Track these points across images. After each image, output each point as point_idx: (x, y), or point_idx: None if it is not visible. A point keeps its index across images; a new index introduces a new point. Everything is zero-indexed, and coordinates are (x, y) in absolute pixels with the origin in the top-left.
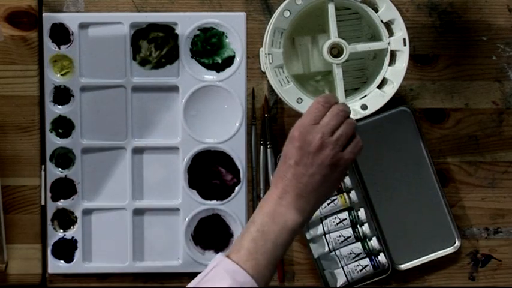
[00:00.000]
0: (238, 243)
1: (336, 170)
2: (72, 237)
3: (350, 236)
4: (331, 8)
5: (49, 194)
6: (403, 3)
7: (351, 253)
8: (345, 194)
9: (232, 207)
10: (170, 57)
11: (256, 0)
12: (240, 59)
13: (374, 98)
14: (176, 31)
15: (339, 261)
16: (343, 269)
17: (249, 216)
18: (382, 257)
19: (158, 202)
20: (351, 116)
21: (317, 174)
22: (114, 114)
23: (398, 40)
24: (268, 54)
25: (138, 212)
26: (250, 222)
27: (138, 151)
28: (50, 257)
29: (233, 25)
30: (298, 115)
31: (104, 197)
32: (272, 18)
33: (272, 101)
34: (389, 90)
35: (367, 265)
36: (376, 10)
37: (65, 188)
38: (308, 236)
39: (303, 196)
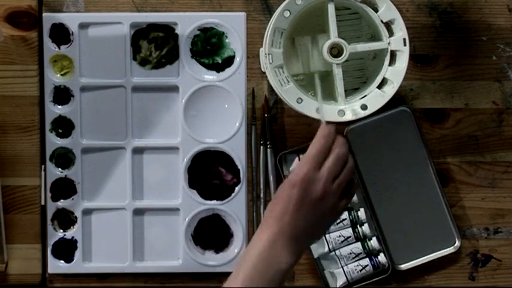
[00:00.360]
0: (231, 283)
1: (333, 216)
2: (72, 237)
3: (350, 236)
4: (331, 8)
5: (49, 194)
6: (403, 3)
7: (351, 253)
8: None
9: (232, 207)
10: (170, 57)
11: (256, 0)
12: (240, 59)
13: (374, 98)
14: (176, 31)
15: (339, 261)
16: (343, 269)
17: (249, 216)
18: (382, 257)
19: (158, 202)
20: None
21: (314, 222)
22: (114, 114)
23: (398, 40)
24: (268, 54)
25: (138, 212)
26: (242, 262)
27: (138, 151)
28: (50, 257)
29: (233, 25)
30: (298, 115)
31: (104, 197)
32: (272, 18)
33: (272, 101)
34: (389, 90)
35: (367, 265)
36: (376, 10)
37: (65, 188)
38: None
39: (298, 240)
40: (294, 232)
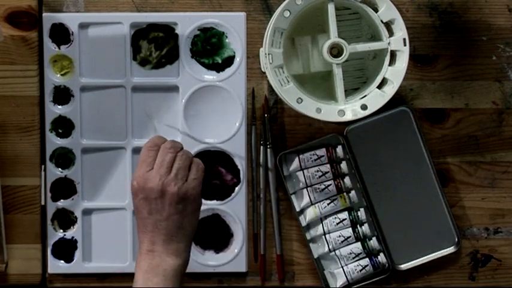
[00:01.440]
0: None
1: (189, 201)
2: (72, 237)
3: (350, 236)
4: (331, 8)
5: (49, 194)
6: (403, 3)
7: (351, 253)
8: (345, 194)
9: (232, 207)
10: (170, 57)
11: (256, 0)
12: (240, 59)
13: (374, 98)
14: (176, 31)
15: (339, 261)
16: (343, 269)
17: (249, 216)
18: (382, 257)
19: None
20: (350, 116)
21: (173, 214)
22: (114, 114)
23: (398, 40)
24: (268, 54)
25: None
26: (134, 283)
27: (138, 151)
28: (50, 257)
29: (233, 25)
30: (298, 115)
31: (104, 197)
32: (272, 18)
33: (272, 101)
34: (389, 90)
35: (367, 265)
36: (376, 10)
37: (65, 188)
38: (308, 236)
39: (172, 239)
40: (163, 234)
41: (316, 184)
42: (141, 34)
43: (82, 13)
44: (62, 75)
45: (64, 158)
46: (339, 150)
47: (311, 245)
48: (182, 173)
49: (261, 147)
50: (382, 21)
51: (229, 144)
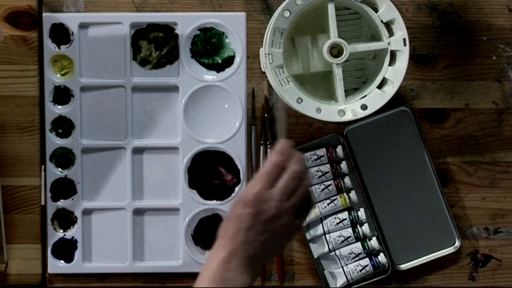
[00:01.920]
0: None
1: (288, 235)
2: (72, 237)
3: (350, 236)
4: (331, 8)
5: (49, 194)
6: (403, 3)
7: (351, 253)
8: (345, 194)
9: None
10: (170, 57)
11: (256, 0)
12: (240, 59)
13: (374, 98)
14: (176, 31)
15: (339, 261)
16: (343, 269)
17: None
18: (382, 257)
19: (158, 202)
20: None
21: (269, 240)
22: (114, 114)
23: (398, 40)
24: (268, 54)
25: (138, 212)
26: (201, 277)
27: (138, 151)
28: (50, 257)
29: (233, 25)
30: (298, 115)
31: (104, 197)
32: (272, 18)
33: (272, 101)
34: (389, 90)
35: (367, 265)
36: (376, 10)
37: (65, 188)
38: (308, 236)
39: (253, 260)
40: (248, 252)
41: (316, 184)
42: (141, 34)
43: (82, 13)
44: (62, 75)
45: (64, 158)
46: (339, 150)
47: (311, 245)
48: (297, 206)
49: (261, 147)
50: (382, 21)
51: (229, 144)
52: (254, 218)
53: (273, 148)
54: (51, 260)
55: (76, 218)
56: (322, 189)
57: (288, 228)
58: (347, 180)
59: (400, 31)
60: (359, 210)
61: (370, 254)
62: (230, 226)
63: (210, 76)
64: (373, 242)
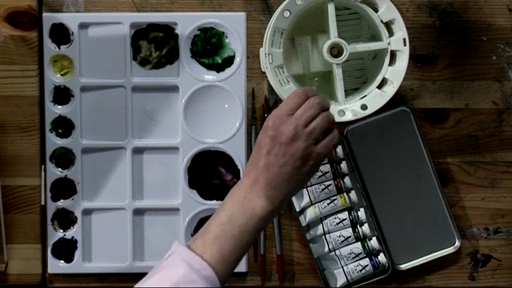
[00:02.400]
0: (207, 227)
1: (307, 163)
2: (72, 237)
3: (350, 236)
4: (331, 8)
5: (49, 194)
6: (403, 3)
7: (351, 253)
8: (345, 194)
9: None
10: (170, 57)
11: (256, 0)
12: (240, 59)
13: (374, 98)
14: (176, 31)
15: (339, 261)
16: (343, 269)
17: None
18: (382, 257)
19: (158, 202)
20: (350, 116)
21: (288, 165)
22: (114, 114)
23: (398, 40)
24: (268, 54)
25: (138, 212)
26: (220, 207)
27: (138, 151)
28: (50, 257)
29: (233, 25)
30: None
31: (104, 197)
32: (272, 18)
33: (272, 101)
34: (389, 90)
35: (367, 265)
36: (376, 10)
37: (65, 188)
38: (308, 236)
39: (274, 185)
40: (269, 177)
41: (316, 184)
42: (141, 34)
43: (82, 13)
44: (62, 75)
45: (64, 158)
46: (339, 150)
47: (311, 245)
48: (316, 133)
49: None
50: (382, 21)
51: (229, 144)
52: (273, 140)
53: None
54: (51, 260)
55: (76, 218)
56: (322, 189)
57: (306, 153)
58: (347, 180)
59: (400, 31)
60: (359, 210)
61: (370, 254)
62: (254, 154)
63: (210, 76)
64: (373, 242)
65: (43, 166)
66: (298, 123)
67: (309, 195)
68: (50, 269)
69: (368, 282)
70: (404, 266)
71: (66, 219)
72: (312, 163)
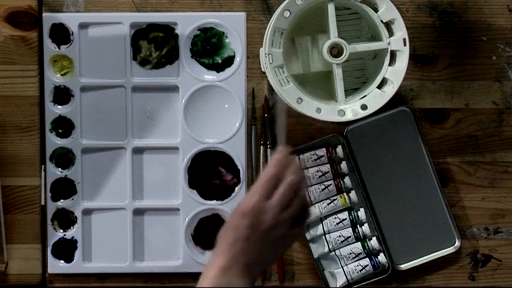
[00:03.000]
0: None
1: (285, 245)
2: (72, 237)
3: (350, 236)
4: (331, 8)
5: (49, 194)
6: (403, 3)
7: (351, 253)
8: (345, 194)
9: (232, 207)
10: (170, 57)
11: (256, 0)
12: (240, 59)
13: (374, 98)
14: (176, 31)
15: (339, 261)
16: (343, 269)
17: None
18: (382, 257)
19: (158, 202)
20: (350, 116)
21: (266, 250)
22: (114, 114)
23: (398, 40)
24: (268, 54)
25: (138, 212)
26: (200, 283)
27: (138, 151)
28: (50, 257)
29: (233, 25)
30: (298, 115)
31: (104, 197)
32: (272, 18)
33: (272, 102)
34: (389, 90)
35: (367, 265)
36: (376, 10)
37: (65, 188)
38: (308, 236)
39: (251, 267)
40: (246, 260)
41: (316, 184)
42: (141, 34)
43: (82, 13)
44: (62, 75)
45: (64, 158)
46: (339, 150)
47: (311, 245)
48: (294, 216)
49: (261, 147)
50: (382, 21)
51: (229, 144)
52: (252, 228)
53: (271, 157)
54: (51, 260)
55: (76, 218)
56: (322, 189)
57: (285, 238)
58: (347, 180)
59: (400, 31)
60: (359, 210)
61: (370, 254)
62: (229, 235)
63: (210, 76)
64: (373, 242)
65: (43, 166)
66: (277, 209)
67: (309, 195)
68: (50, 269)
69: (368, 282)
70: (404, 266)
71: (66, 219)
72: (288, 243)
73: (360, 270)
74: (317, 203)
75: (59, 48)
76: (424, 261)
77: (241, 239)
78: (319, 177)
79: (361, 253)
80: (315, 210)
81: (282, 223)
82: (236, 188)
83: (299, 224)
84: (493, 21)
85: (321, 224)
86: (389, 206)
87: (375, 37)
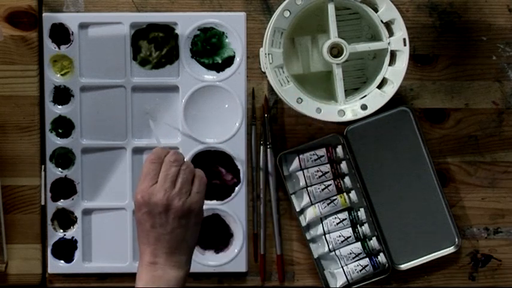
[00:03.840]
0: None
1: (192, 214)
2: (72, 237)
3: (350, 236)
4: (331, 8)
5: (49, 194)
6: (403, 3)
7: (351, 253)
8: (345, 194)
9: (232, 207)
10: (170, 57)
11: (256, 0)
12: (240, 59)
13: (374, 98)
14: (176, 31)
15: (339, 261)
16: (343, 269)
17: (249, 216)
18: (382, 257)
19: None
20: (350, 116)
21: (176, 228)
22: (114, 114)
23: (398, 40)
24: (268, 54)
25: None
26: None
27: (138, 151)
28: (50, 257)
29: (233, 25)
30: (298, 115)
31: (104, 197)
32: (272, 18)
33: (272, 101)
34: (389, 90)
35: (367, 265)
36: (376, 10)
37: (65, 188)
38: (308, 236)
39: (175, 251)
40: (165, 247)
41: (316, 184)
42: (141, 34)
43: (82, 13)
44: (62, 75)
45: (64, 158)
46: (339, 150)
47: (311, 245)
48: (186, 187)
49: (261, 147)
50: (382, 21)
51: (229, 144)
52: (150, 214)
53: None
54: (51, 260)
55: (76, 218)
56: (322, 189)
57: (186, 208)
58: (347, 180)
59: (400, 31)
60: (359, 210)
61: (370, 254)
62: (140, 233)
63: (210, 76)
64: (373, 242)
65: (43, 166)
66: (165, 188)
67: (309, 195)
68: (50, 269)
69: (368, 282)
70: (404, 266)
71: (66, 219)
72: (196, 213)
73: (360, 270)
74: (317, 203)
75: (59, 48)
76: (424, 261)
77: (148, 228)
78: (319, 177)
79: (361, 253)
80: (315, 210)
81: (175, 197)
82: (236, 188)
83: (197, 191)
84: (493, 21)
85: (321, 224)
86: (389, 206)
87: (375, 37)
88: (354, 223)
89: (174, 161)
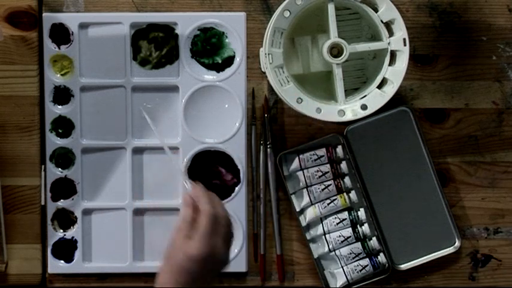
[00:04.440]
0: None
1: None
2: (72, 237)
3: (350, 236)
4: (331, 8)
5: (49, 194)
6: (403, 3)
7: (351, 253)
8: (345, 194)
9: (232, 207)
10: (170, 57)
11: (256, 0)
12: (240, 59)
13: (374, 98)
14: (176, 31)
15: (339, 261)
16: (343, 269)
17: (249, 216)
18: (382, 257)
19: (158, 202)
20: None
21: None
22: (114, 114)
23: (398, 40)
24: (268, 54)
25: (138, 212)
26: None
27: (138, 151)
28: (50, 257)
29: (233, 25)
30: (298, 115)
31: (104, 197)
32: (272, 18)
33: (272, 101)
34: (389, 90)
35: (367, 265)
36: (376, 10)
37: (65, 188)
38: (308, 236)
39: None
40: None
41: (316, 184)
42: (141, 34)
43: (82, 13)
44: (62, 75)
45: (64, 158)
46: (339, 150)
47: (311, 245)
48: (224, 219)
49: (261, 147)
50: (382, 21)
51: (229, 144)
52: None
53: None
54: (51, 260)
55: (76, 218)
56: (322, 189)
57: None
58: (347, 180)
59: (400, 31)
60: (359, 210)
61: (370, 254)
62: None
63: (210, 76)
64: (373, 242)
65: (43, 166)
66: (224, 243)
67: (309, 195)
68: (50, 269)
69: (368, 282)
70: (404, 266)
71: (66, 219)
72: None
73: (360, 270)
74: (317, 203)
75: (59, 48)
76: (424, 261)
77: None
78: (319, 177)
79: (361, 253)
80: (315, 210)
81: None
82: (236, 188)
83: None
84: (493, 21)
85: (321, 224)
86: (389, 206)
87: (375, 37)
88: (354, 223)
89: (211, 215)
